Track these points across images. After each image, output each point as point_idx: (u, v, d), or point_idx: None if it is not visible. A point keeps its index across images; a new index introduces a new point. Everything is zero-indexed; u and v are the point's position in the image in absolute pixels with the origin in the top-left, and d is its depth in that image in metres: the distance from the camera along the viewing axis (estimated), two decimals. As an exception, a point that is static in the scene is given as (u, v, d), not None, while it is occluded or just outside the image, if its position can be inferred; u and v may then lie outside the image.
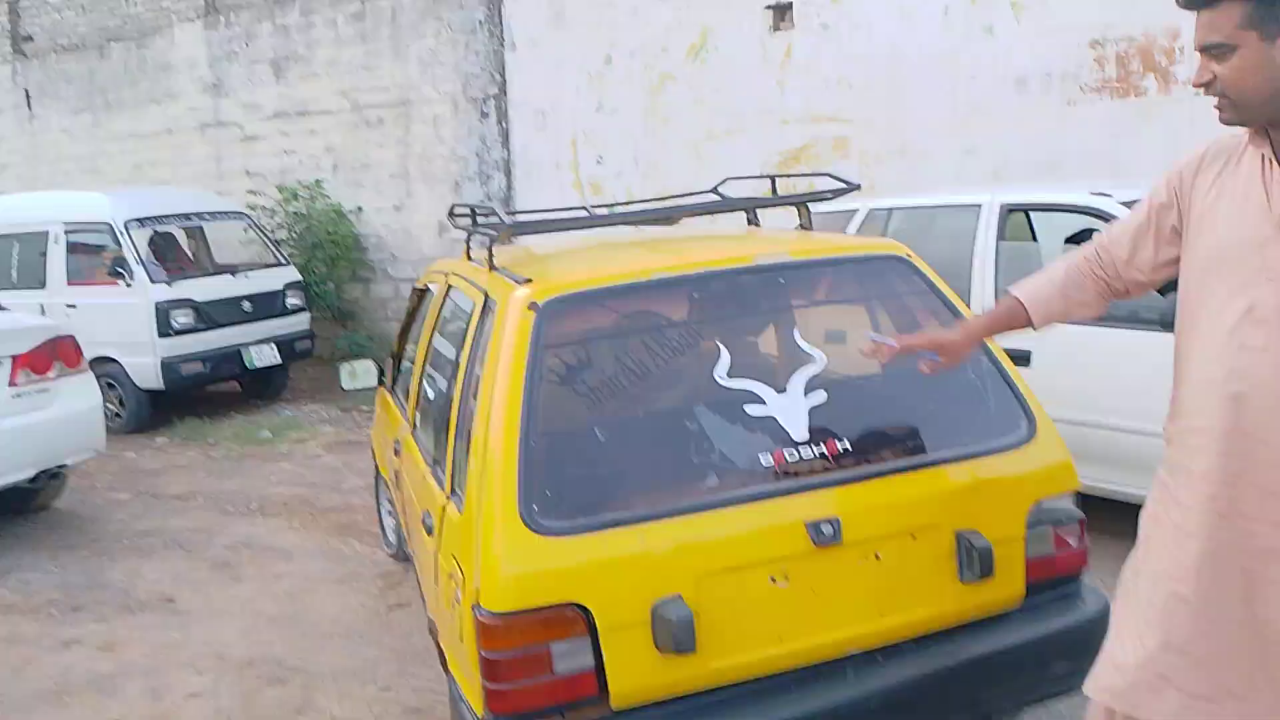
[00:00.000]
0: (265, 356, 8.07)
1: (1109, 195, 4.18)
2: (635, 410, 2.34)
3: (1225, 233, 1.76)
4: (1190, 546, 1.77)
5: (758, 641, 2.16)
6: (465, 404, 2.47)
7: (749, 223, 3.39)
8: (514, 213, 2.67)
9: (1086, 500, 2.58)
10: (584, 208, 3.27)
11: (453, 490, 2.42)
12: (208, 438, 7.36)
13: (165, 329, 7.40)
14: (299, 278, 8.58)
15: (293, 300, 8.42)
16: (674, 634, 2.03)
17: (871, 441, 2.32)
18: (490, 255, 2.71)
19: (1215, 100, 1.72)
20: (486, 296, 2.57)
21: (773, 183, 3.31)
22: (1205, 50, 1.70)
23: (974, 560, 2.27)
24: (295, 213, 9.40)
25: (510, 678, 2.04)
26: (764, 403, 2.29)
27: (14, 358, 4.98)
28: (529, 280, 2.41)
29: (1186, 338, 1.82)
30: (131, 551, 5.03)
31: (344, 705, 3.38)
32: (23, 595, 4.54)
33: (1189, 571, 1.77)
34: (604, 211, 3.34)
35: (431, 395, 3.07)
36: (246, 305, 7.99)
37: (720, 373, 2.32)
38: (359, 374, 4.06)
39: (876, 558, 2.24)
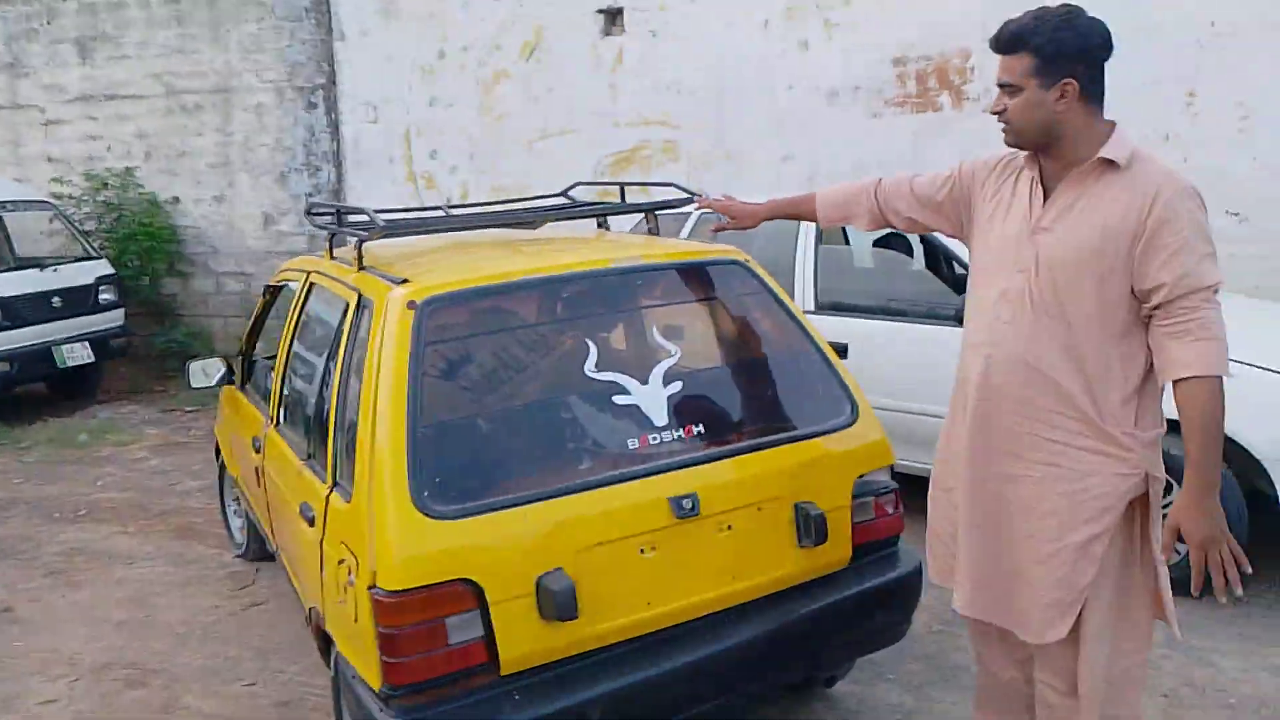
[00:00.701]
0: (78, 355, 7.67)
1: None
2: (513, 401, 2.55)
3: (999, 232, 2.25)
4: (961, 471, 2.30)
5: (630, 607, 2.41)
6: (344, 399, 2.61)
7: (599, 226, 3.64)
8: (381, 212, 2.80)
9: (895, 477, 2.98)
10: (440, 208, 3.43)
11: (335, 482, 2.55)
12: (19, 442, 6.95)
13: (-34, 327, 6.94)
14: (112, 271, 8.18)
15: (106, 295, 8.03)
16: (557, 603, 2.26)
17: (722, 425, 2.63)
18: (360, 255, 2.84)
19: (1004, 126, 2.18)
20: (360, 295, 2.71)
21: (622, 191, 3.57)
22: (1001, 86, 2.15)
23: (810, 528, 2.61)
24: (105, 202, 8.92)
25: (407, 651, 2.21)
26: (629, 393, 2.55)
27: None
28: (405, 280, 2.56)
29: (968, 313, 2.34)
30: (-50, 563, 4.76)
31: (210, 702, 3.41)
32: None
33: (962, 493, 2.31)
34: (462, 213, 3.50)
35: (300, 391, 3.16)
36: (56, 301, 7.57)
37: (589, 366, 2.56)
38: (209, 371, 4.04)
39: (729, 528, 2.54)
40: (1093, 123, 2.11)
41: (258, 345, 4.18)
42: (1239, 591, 2.05)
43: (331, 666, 2.78)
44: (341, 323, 2.80)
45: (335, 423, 2.61)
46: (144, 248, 8.72)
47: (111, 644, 3.87)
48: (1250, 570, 2.07)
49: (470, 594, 2.25)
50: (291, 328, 3.33)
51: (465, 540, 2.26)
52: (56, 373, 7.65)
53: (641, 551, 2.43)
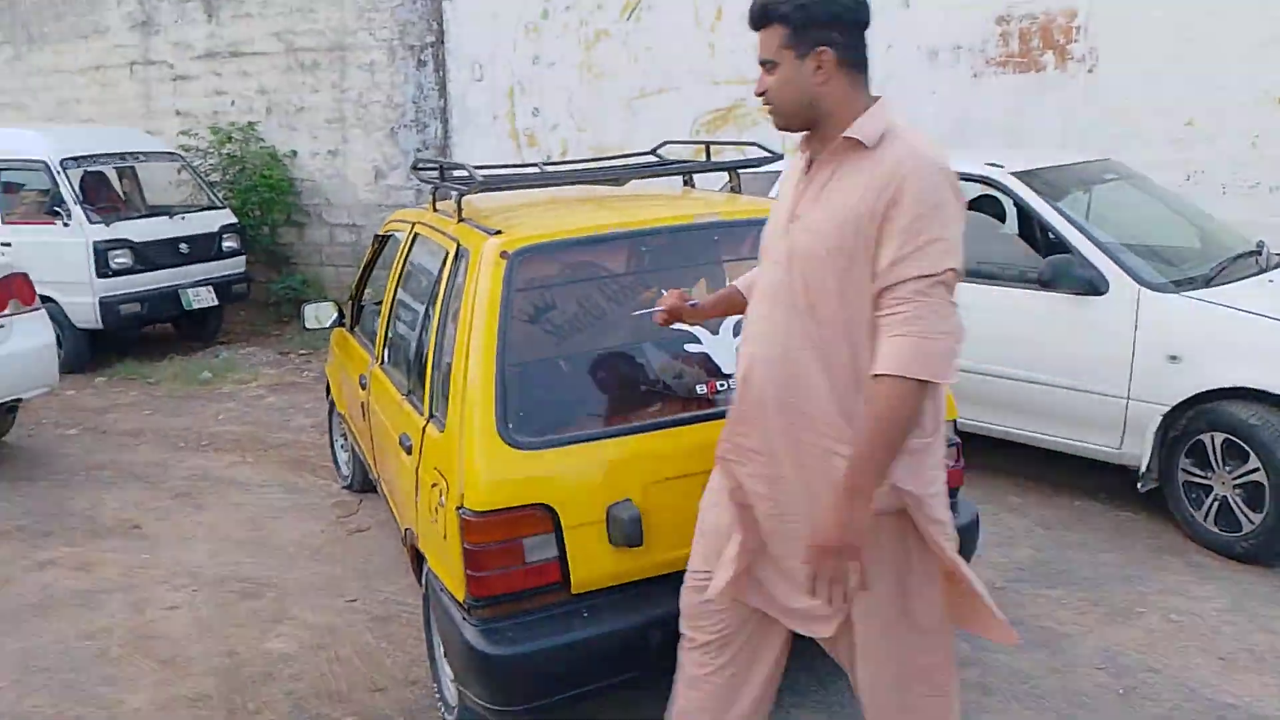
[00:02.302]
0: (202, 299, 8.19)
1: (1001, 165, 4.68)
2: (592, 345, 2.74)
3: (769, 226, 2.11)
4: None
5: (691, 538, 2.59)
6: (441, 340, 2.84)
7: (685, 184, 3.78)
8: (480, 168, 3.01)
9: (966, 437, 3.07)
10: (537, 165, 3.63)
11: (431, 414, 2.79)
12: (148, 378, 7.52)
13: (104, 269, 7.49)
14: (235, 221, 8.68)
15: (229, 243, 8.53)
16: (625, 531, 2.46)
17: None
18: (459, 208, 3.06)
19: (769, 108, 2.01)
20: (458, 245, 2.92)
21: (707, 149, 3.70)
22: (761, 65, 1.99)
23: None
24: (229, 155, 9.44)
25: (488, 566, 2.44)
26: (700, 342, 2.71)
27: (-31, 295, 5.13)
28: (499, 232, 2.77)
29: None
30: (91, 483, 5.26)
31: (315, 614, 3.75)
32: (-14, 522, 4.76)
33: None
34: (555, 170, 3.69)
35: (403, 333, 3.42)
36: (183, 247, 8.09)
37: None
38: (321, 316, 4.35)
39: (791, 471, 2.69)
40: (856, 96, 1.94)
41: (366, 291, 4.47)
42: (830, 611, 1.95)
43: (422, 583, 3.04)
44: (441, 270, 3.03)
45: (433, 361, 2.84)
46: (264, 199, 9.21)
47: (229, 560, 4.25)
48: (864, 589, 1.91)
49: (546, 518, 2.47)
50: (397, 274, 3.59)
51: (543, 469, 2.47)
52: (183, 314, 8.20)
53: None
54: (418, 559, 3.03)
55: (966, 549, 2.96)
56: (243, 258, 8.69)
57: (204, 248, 8.26)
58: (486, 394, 2.50)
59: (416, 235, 3.52)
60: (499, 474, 2.45)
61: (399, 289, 3.58)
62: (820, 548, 1.89)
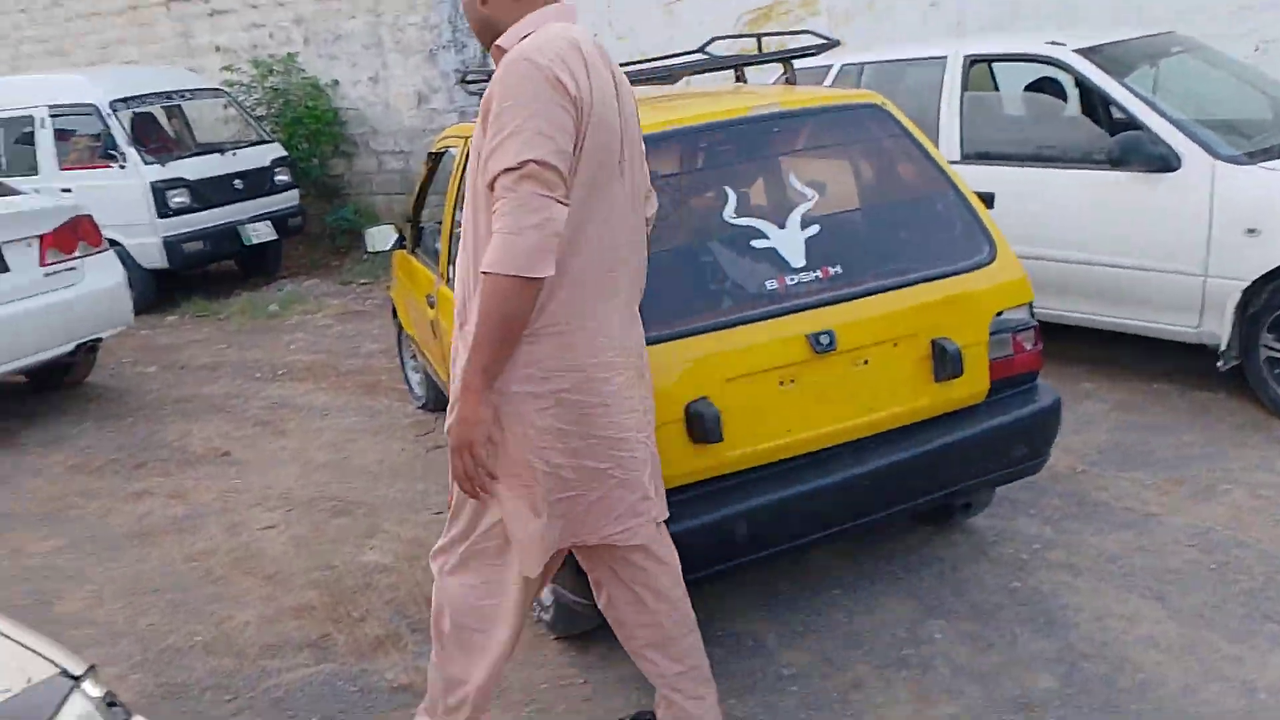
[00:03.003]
0: (261, 233, 8.31)
1: (1063, 44, 4.52)
2: (659, 247, 2.73)
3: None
4: None
5: (770, 434, 2.63)
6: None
7: (736, 79, 3.72)
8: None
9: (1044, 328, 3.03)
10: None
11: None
12: (217, 314, 7.70)
13: (163, 209, 7.62)
14: (285, 154, 8.74)
15: (281, 177, 8.61)
16: (703, 427, 2.49)
17: (859, 265, 2.74)
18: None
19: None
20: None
21: (758, 41, 3.62)
22: None
23: (946, 362, 2.73)
24: (272, 88, 9.45)
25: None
26: (767, 237, 2.70)
27: (41, 237, 5.26)
28: (558, 140, 2.75)
29: None
30: (176, 416, 5.46)
31: (406, 528, 3.89)
32: (84, 457, 4.98)
33: None
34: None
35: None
36: (238, 183, 8.19)
37: (728, 212, 2.72)
38: (382, 239, 4.40)
39: (865, 363, 2.70)
40: (521, 9, 2.00)
41: (424, 212, 4.50)
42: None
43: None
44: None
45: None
46: (310, 131, 9.24)
47: (316, 481, 4.40)
48: (493, 486, 2.01)
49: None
50: (455, 190, 3.60)
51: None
52: (244, 250, 8.34)
53: (781, 384, 2.62)
54: None
55: (1048, 433, 2.96)
56: (296, 191, 8.76)
57: (258, 183, 8.34)
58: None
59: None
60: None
61: (458, 205, 3.60)
62: (453, 447, 1.97)
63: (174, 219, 7.66)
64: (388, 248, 4.46)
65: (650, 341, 2.51)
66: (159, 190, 7.60)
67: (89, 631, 3.36)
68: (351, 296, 7.99)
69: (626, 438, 2.10)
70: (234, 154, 8.29)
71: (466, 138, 3.60)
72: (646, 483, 2.15)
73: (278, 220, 8.46)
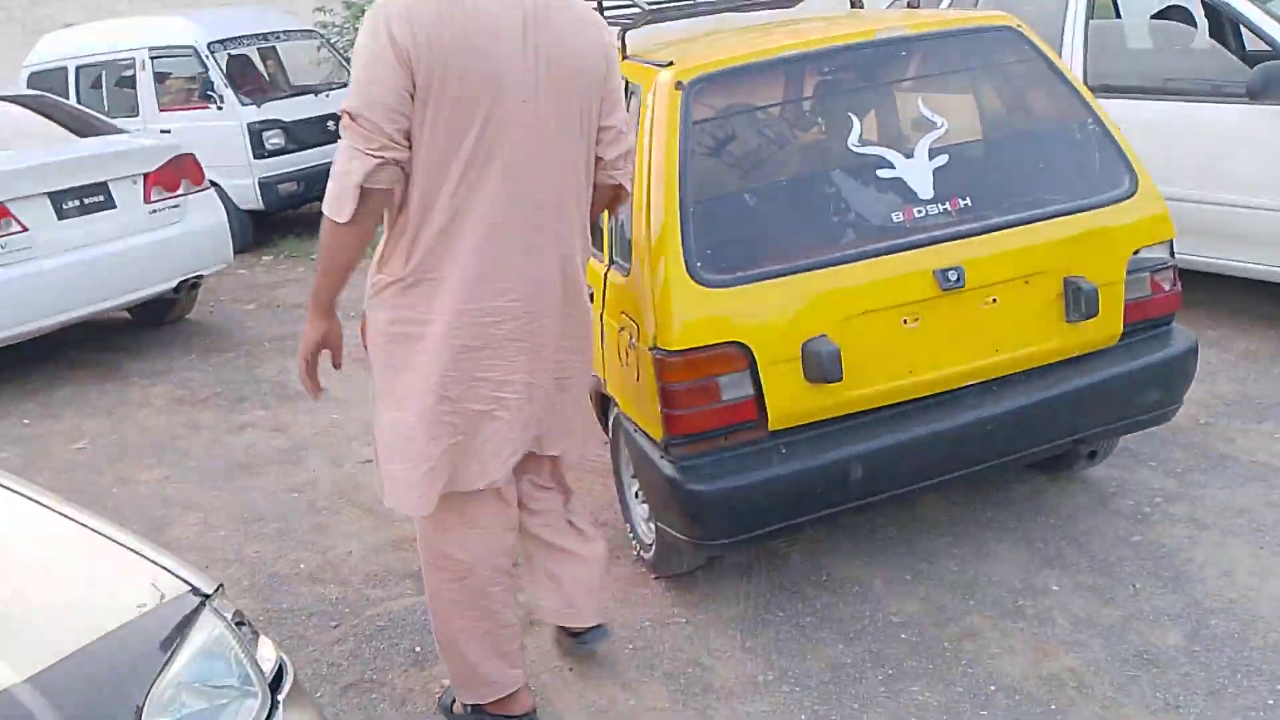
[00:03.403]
0: (353, 174, 8.33)
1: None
2: (779, 176, 2.63)
3: None
4: None
5: (891, 374, 2.52)
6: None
7: (852, 6, 3.54)
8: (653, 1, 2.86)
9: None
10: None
11: (612, 260, 2.75)
12: (311, 255, 7.78)
13: (259, 150, 7.69)
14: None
15: (373, 118, 8.59)
16: (822, 366, 2.39)
17: (990, 198, 2.59)
18: (624, 44, 2.94)
19: None
20: (626, 82, 2.80)
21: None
22: None
23: (1079, 302, 2.57)
24: (363, 30, 9.42)
25: (685, 404, 2.43)
26: (893, 166, 2.56)
27: (145, 176, 5.35)
28: (670, 63, 2.65)
29: None
30: (275, 352, 5.53)
31: (500, 464, 3.87)
32: (188, 390, 5.09)
33: None
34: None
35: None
36: (331, 125, 8.20)
37: (852, 140, 2.58)
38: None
39: (994, 301, 2.55)
40: None
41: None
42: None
43: (609, 428, 3.09)
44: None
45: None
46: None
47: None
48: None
49: (741, 356, 2.43)
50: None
51: (735, 306, 2.42)
52: (336, 192, 8.38)
53: (904, 322, 2.50)
54: (604, 403, 3.07)
55: (1184, 380, 2.79)
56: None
57: (349, 124, 8.35)
58: (673, 233, 2.44)
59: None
60: (691, 313, 2.41)
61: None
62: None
63: (269, 160, 7.74)
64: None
65: (763, 277, 2.42)
66: (255, 132, 7.67)
67: (197, 556, 3.44)
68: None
69: (512, 380, 2.14)
70: (327, 95, 8.31)
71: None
72: (536, 423, 2.24)
73: (368, 162, 8.47)
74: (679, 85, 2.55)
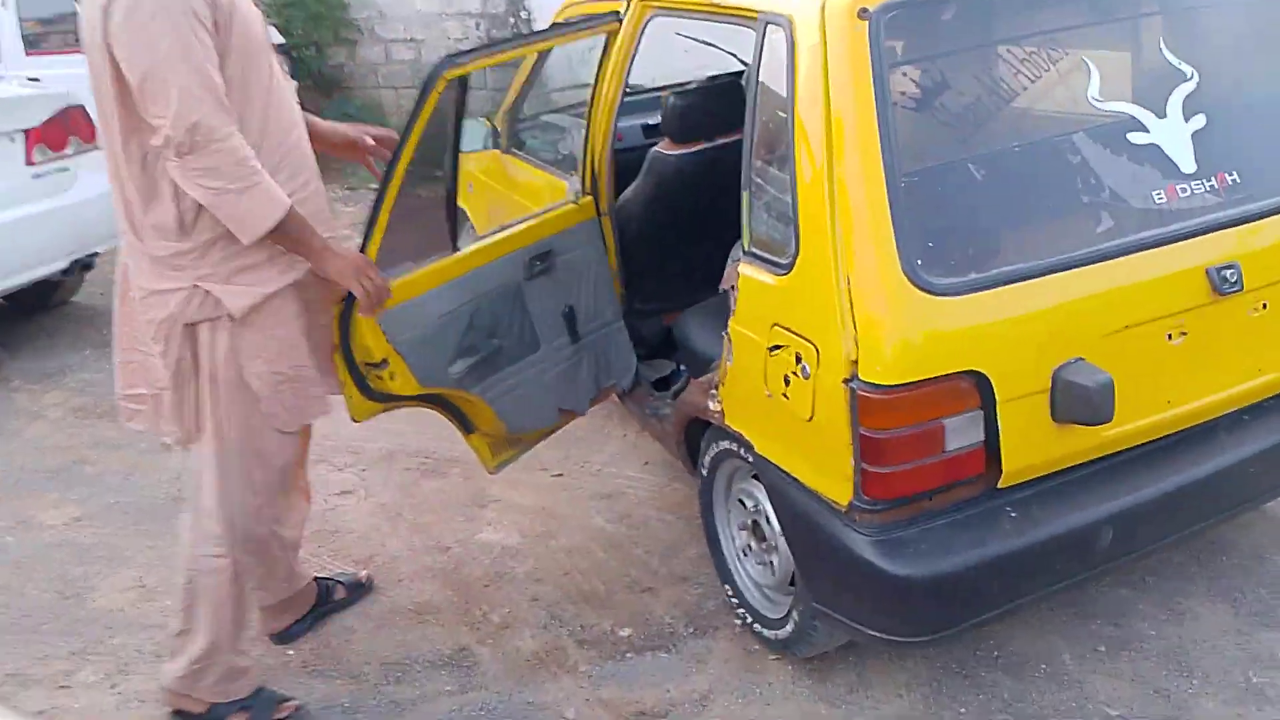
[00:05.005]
0: (258, 130, 7.28)
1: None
2: (1006, 141, 1.94)
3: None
4: None
5: (1150, 406, 1.90)
6: (754, 151, 2.05)
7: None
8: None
9: None
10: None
11: (751, 251, 2.04)
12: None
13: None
14: (282, 41, 7.62)
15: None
16: (1089, 401, 1.75)
17: (1265, 171, 1.98)
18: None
19: None
20: (765, 16, 2.06)
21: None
22: None
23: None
24: (262, -36, 8.27)
25: (896, 459, 1.76)
26: (1145, 129, 1.92)
27: (26, 132, 4.28)
28: (838, -15, 1.92)
29: None
30: (194, 345, 4.56)
31: (521, 493, 3.12)
32: (90, 396, 4.10)
33: None
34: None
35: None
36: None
37: (1092, 93, 1.93)
38: (471, 136, 3.52)
39: (1264, 308, 1.96)
40: None
41: (525, 104, 3.62)
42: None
43: (704, 462, 2.40)
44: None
45: (745, 179, 2.07)
46: (310, 14, 8.12)
47: (387, 430, 3.56)
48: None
49: (973, 390, 1.76)
50: (618, 72, 2.72)
51: (971, 322, 1.75)
52: (239, 150, 7.30)
53: (1169, 337, 1.88)
54: (690, 430, 2.39)
55: None
56: (294, 84, 7.67)
57: (253, 72, 7.26)
58: (879, 218, 1.74)
59: (653, 13, 2.64)
60: (913, 330, 1.73)
61: (623, 90, 2.74)
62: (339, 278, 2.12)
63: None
64: (477, 147, 3.58)
65: (1003, 280, 1.76)
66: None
67: (141, 640, 2.59)
68: (364, 203, 7.03)
69: None
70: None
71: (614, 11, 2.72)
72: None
73: (275, 116, 7.40)
74: (863, 13, 1.83)
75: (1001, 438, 1.79)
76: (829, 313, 1.78)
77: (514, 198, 3.46)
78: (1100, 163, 1.89)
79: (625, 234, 2.86)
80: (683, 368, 3.08)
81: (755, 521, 2.30)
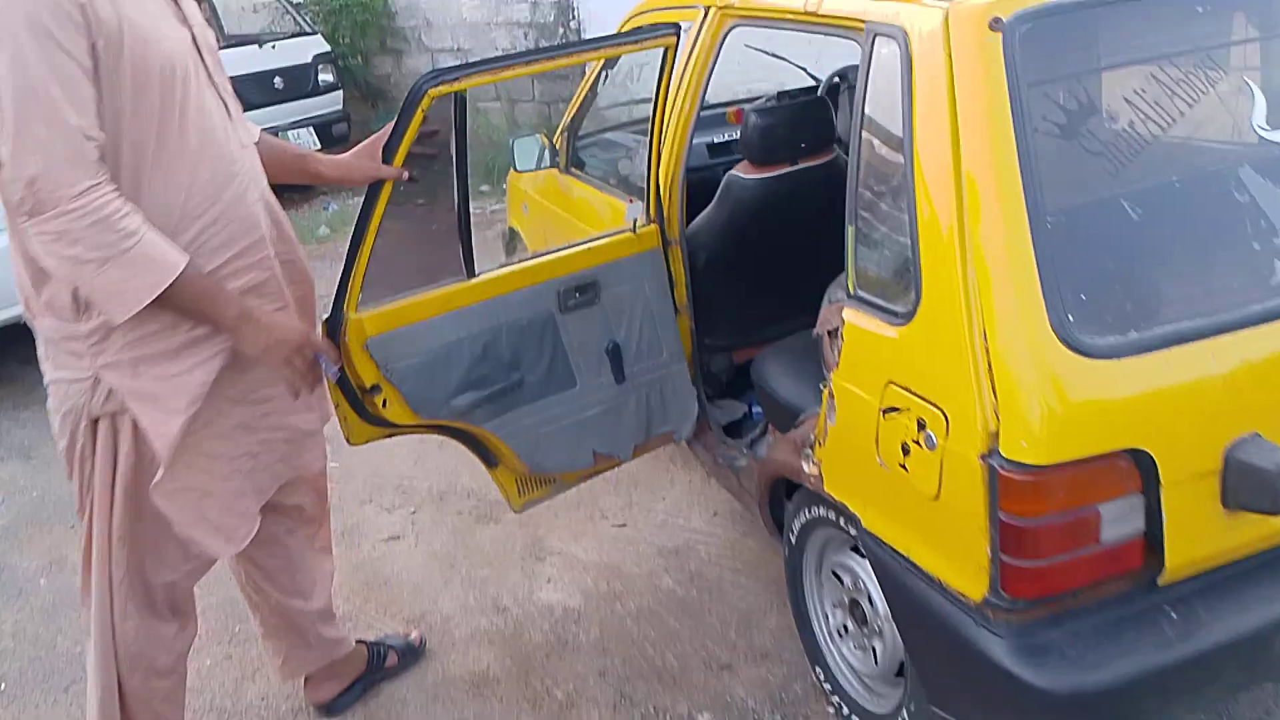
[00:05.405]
0: (304, 142, 7.09)
1: None
2: (1163, 174, 1.67)
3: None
4: None
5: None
6: (864, 177, 1.79)
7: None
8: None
9: None
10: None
11: (857, 295, 1.78)
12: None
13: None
14: (329, 48, 7.51)
15: (325, 76, 7.38)
16: (1270, 487, 1.47)
17: None
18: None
19: None
20: (874, 26, 1.81)
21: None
22: None
23: None
24: (311, -31, 8.17)
25: (1042, 551, 1.49)
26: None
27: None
28: (957, -9, 1.66)
29: None
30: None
31: (582, 546, 2.88)
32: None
33: None
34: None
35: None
36: (277, 81, 6.98)
37: (1258, 121, 1.66)
38: (525, 153, 3.29)
39: None
40: None
41: (585, 120, 3.39)
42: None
43: (791, 528, 2.15)
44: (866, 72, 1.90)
45: (854, 211, 1.81)
46: (356, 21, 7.99)
47: (440, 467, 3.37)
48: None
49: (1135, 470, 1.49)
50: (693, 86, 2.48)
51: (1133, 390, 1.48)
52: (284, 162, 7.17)
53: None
54: (774, 490, 2.15)
55: None
56: (340, 92, 7.56)
57: (299, 82, 7.13)
58: (1022, 264, 1.48)
59: (734, 22, 2.39)
60: (1070, 399, 1.46)
61: (695, 106, 2.49)
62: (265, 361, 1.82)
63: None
64: (532, 166, 3.35)
65: (1167, 340, 1.49)
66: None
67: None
68: (413, 218, 6.85)
69: None
70: (272, 47, 7.05)
71: (715, 6, 2.48)
72: None
73: (321, 127, 7.25)
74: (995, 24, 1.57)
75: (1165, 527, 1.51)
76: (961, 374, 1.52)
77: (571, 219, 3.23)
78: (1270, 201, 1.61)
79: (695, 264, 2.61)
80: (755, 410, 2.84)
81: (854, 600, 2.04)
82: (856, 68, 3.55)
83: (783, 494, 2.24)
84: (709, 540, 2.85)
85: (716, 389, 2.85)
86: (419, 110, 1.89)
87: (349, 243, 1.97)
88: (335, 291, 2.00)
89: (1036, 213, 1.49)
